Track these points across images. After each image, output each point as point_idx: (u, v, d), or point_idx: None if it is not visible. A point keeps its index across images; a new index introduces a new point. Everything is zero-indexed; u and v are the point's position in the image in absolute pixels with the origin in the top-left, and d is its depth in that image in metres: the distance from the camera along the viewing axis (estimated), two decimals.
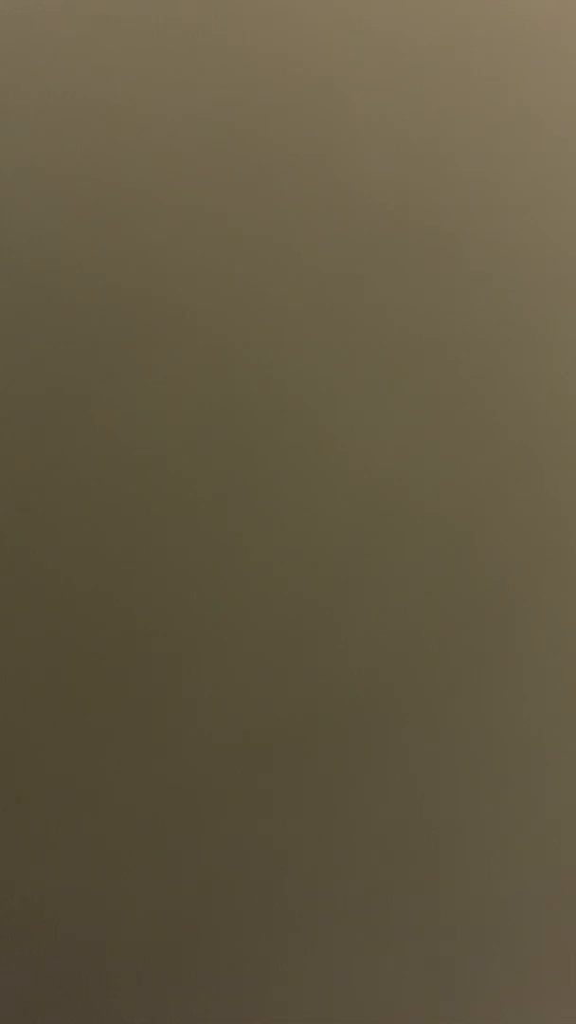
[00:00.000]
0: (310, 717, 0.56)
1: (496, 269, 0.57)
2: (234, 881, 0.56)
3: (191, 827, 0.57)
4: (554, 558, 0.56)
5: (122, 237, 0.58)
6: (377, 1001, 0.56)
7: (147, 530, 0.57)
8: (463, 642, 0.56)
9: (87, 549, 0.57)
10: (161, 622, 0.57)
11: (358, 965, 0.56)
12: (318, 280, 0.57)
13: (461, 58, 0.57)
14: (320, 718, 0.56)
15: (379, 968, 0.56)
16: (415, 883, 0.56)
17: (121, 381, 0.57)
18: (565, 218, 0.57)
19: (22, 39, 0.59)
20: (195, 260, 0.58)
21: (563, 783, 0.56)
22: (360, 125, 0.57)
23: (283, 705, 0.56)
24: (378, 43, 0.57)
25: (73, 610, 0.57)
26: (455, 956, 0.56)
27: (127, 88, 0.58)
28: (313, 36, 0.58)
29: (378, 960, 0.56)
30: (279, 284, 0.57)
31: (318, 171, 0.57)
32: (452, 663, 0.56)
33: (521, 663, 0.56)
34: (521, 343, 0.57)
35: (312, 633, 0.56)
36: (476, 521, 0.56)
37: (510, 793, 0.56)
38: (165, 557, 0.57)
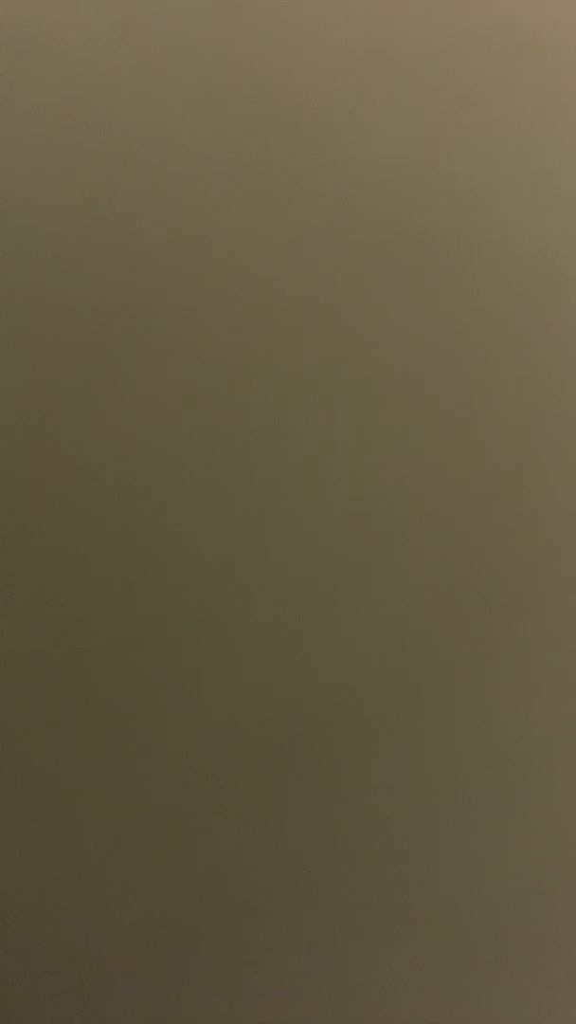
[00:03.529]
0: (305, 727, 0.56)
1: (495, 282, 0.57)
2: (232, 885, 0.56)
3: (190, 830, 0.57)
4: (549, 571, 0.56)
5: (123, 248, 0.58)
6: (375, 1003, 0.56)
7: (144, 541, 0.57)
8: (458, 652, 0.56)
9: (84, 558, 0.57)
10: (156, 632, 0.57)
11: (356, 966, 0.56)
12: (318, 293, 0.57)
13: (463, 68, 0.57)
14: (314, 729, 0.56)
15: (377, 971, 0.56)
16: (413, 888, 0.56)
17: (119, 391, 0.58)
18: (565, 229, 0.57)
19: (23, 40, 0.59)
20: (195, 267, 0.58)
21: (558, 786, 0.56)
22: (362, 135, 0.57)
23: (278, 715, 0.56)
24: (380, 52, 0.58)
25: (69, 618, 0.57)
26: (453, 962, 0.56)
27: (127, 96, 0.58)
28: (315, 47, 0.58)
29: (378, 962, 0.56)
30: (278, 296, 0.57)
31: (320, 184, 0.57)
32: (447, 672, 0.56)
33: (513, 673, 0.56)
34: (520, 359, 0.57)
35: (308, 643, 0.57)
36: (471, 534, 0.57)
37: (504, 799, 0.56)
38: (161, 567, 0.57)
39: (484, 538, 0.57)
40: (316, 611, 0.57)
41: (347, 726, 0.56)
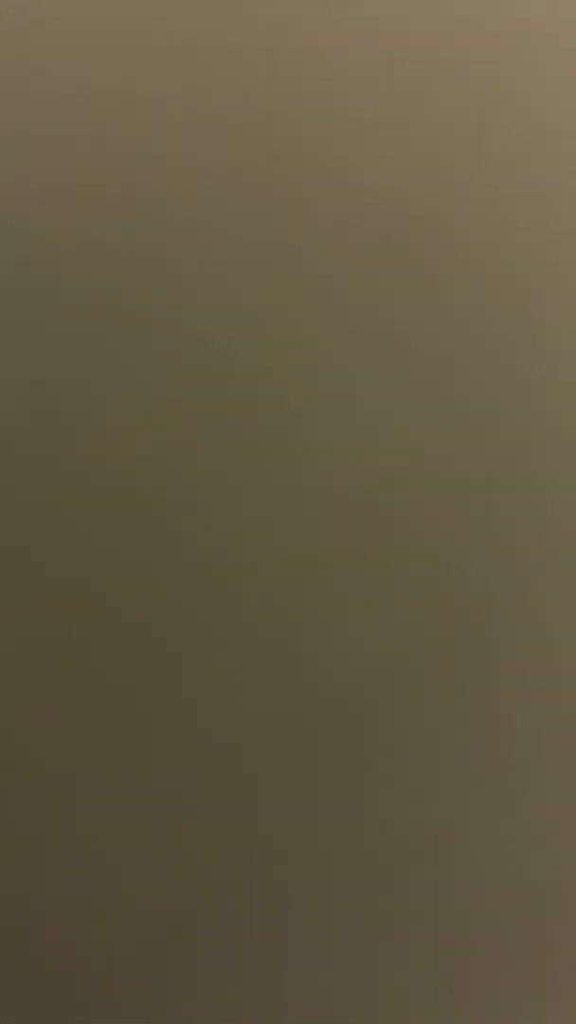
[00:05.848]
0: (306, 722, 0.56)
1: (496, 280, 0.57)
2: (231, 885, 0.56)
3: (190, 828, 0.57)
4: (550, 568, 0.56)
5: (125, 245, 0.58)
6: (375, 1004, 0.56)
7: (145, 532, 0.57)
8: (459, 646, 0.56)
9: (85, 554, 0.57)
10: (156, 625, 0.57)
11: (356, 967, 0.56)
12: (317, 287, 0.57)
13: (463, 68, 0.58)
14: (316, 724, 0.56)
15: (377, 972, 0.56)
16: (415, 888, 0.56)
17: (122, 385, 0.58)
18: (566, 228, 0.57)
19: (23, 40, 0.59)
20: (195, 265, 0.58)
21: (559, 785, 0.56)
22: (362, 134, 0.58)
23: (278, 710, 0.56)
24: (380, 52, 0.58)
25: (71, 615, 0.57)
26: (455, 962, 0.56)
27: (127, 95, 0.58)
28: (315, 47, 0.58)
29: (378, 962, 0.56)
30: (280, 292, 0.57)
31: (321, 180, 0.58)
32: (448, 666, 0.56)
33: (514, 668, 0.56)
34: (520, 356, 0.57)
35: (308, 635, 0.57)
36: (473, 529, 0.57)
37: (507, 797, 0.56)
38: (161, 559, 0.57)
39: (485, 533, 0.57)
40: (317, 603, 0.57)
41: (348, 721, 0.56)
